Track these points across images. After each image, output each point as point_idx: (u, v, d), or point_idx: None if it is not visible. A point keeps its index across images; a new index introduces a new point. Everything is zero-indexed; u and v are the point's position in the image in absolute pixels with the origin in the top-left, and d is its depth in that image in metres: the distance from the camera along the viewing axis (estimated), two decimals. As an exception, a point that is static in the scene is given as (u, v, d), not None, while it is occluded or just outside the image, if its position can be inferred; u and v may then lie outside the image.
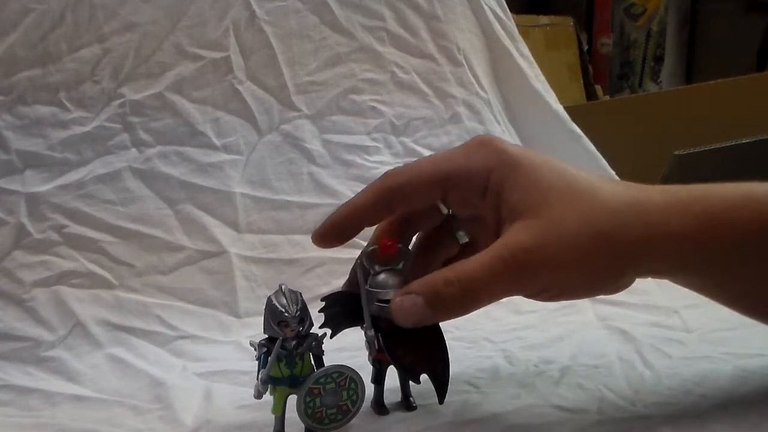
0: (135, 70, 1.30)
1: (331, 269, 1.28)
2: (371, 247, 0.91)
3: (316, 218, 1.32)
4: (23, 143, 1.22)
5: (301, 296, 0.84)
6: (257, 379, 0.83)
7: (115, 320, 1.14)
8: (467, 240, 0.91)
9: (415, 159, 1.43)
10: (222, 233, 1.26)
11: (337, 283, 1.26)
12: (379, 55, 1.47)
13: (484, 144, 0.85)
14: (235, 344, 1.14)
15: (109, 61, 1.29)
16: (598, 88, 2.90)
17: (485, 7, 1.61)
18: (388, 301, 0.89)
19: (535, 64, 1.65)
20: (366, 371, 0.89)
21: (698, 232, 0.81)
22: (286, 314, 0.82)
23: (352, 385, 0.85)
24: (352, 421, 0.87)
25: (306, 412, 0.84)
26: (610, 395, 0.91)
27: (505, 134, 1.55)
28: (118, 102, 1.28)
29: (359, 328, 0.88)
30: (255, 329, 1.03)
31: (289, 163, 1.35)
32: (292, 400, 0.85)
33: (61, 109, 1.25)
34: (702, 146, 1.95)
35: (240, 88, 1.35)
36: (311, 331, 0.85)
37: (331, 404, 0.85)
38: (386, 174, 0.89)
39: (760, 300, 0.86)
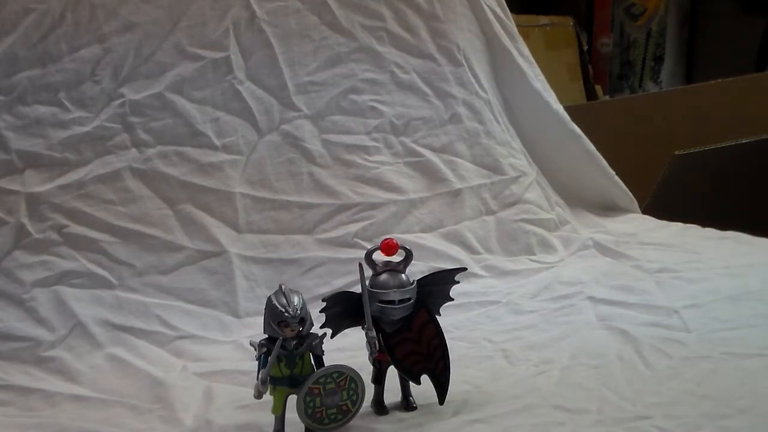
0: (135, 70, 1.30)
1: (331, 269, 1.28)
2: (372, 248, 0.91)
3: (316, 218, 1.32)
4: (23, 143, 1.22)
5: (302, 296, 0.84)
6: (257, 379, 0.83)
7: (115, 320, 1.14)
8: None
9: (414, 159, 1.44)
10: (222, 233, 1.26)
11: (337, 283, 1.27)
12: (379, 55, 1.47)
13: None
14: (235, 344, 1.14)
15: (109, 61, 1.29)
16: (598, 88, 2.89)
17: (485, 7, 1.61)
18: (389, 302, 0.89)
19: (535, 64, 1.66)
20: (366, 371, 0.89)
21: None
22: (286, 314, 0.82)
23: (352, 385, 0.85)
24: (352, 421, 0.87)
25: (306, 412, 0.84)
26: (610, 395, 0.91)
27: (505, 134, 1.55)
28: (118, 102, 1.28)
29: (360, 328, 0.88)
30: (255, 329, 1.03)
31: (289, 163, 1.35)
32: (292, 400, 0.85)
33: (61, 109, 1.25)
34: (702, 146, 1.95)
35: (240, 88, 1.35)
36: (311, 331, 0.85)
37: (331, 404, 0.85)
38: None
39: None
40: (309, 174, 1.35)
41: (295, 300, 0.83)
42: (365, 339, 0.86)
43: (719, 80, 2.26)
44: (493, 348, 1.08)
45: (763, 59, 2.97)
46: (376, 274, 0.90)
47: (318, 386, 0.84)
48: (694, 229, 1.55)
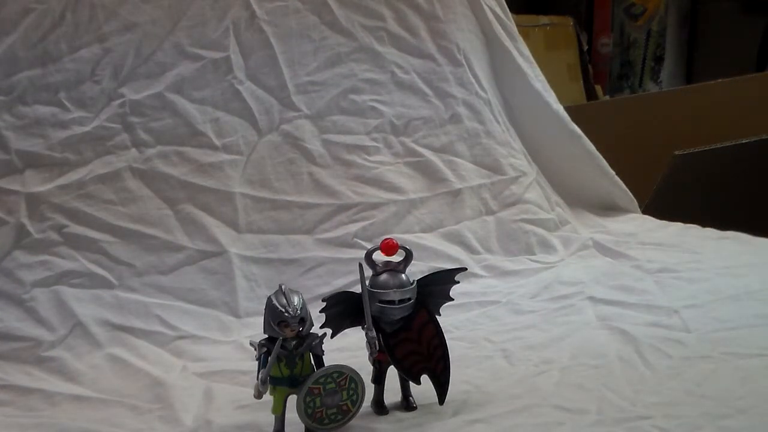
0: (135, 70, 1.30)
1: (331, 269, 1.28)
2: (372, 248, 0.91)
3: (316, 218, 1.32)
4: (23, 143, 1.22)
5: (302, 296, 0.84)
6: (257, 379, 0.83)
7: (115, 320, 1.14)
8: None
9: (414, 159, 1.44)
10: (222, 233, 1.26)
11: (337, 283, 1.27)
12: (379, 55, 1.47)
13: None
14: (235, 344, 1.14)
15: (109, 61, 1.29)
16: (598, 88, 2.89)
17: (485, 7, 1.61)
18: (389, 302, 0.89)
19: (535, 64, 1.66)
20: (366, 371, 0.89)
21: None
22: (286, 314, 0.82)
23: (352, 385, 0.85)
24: (352, 421, 0.87)
25: (306, 412, 0.84)
26: (610, 395, 0.91)
27: (505, 134, 1.55)
28: (118, 102, 1.28)
29: (360, 328, 0.88)
30: (255, 329, 1.03)
31: (289, 163, 1.35)
32: (292, 400, 0.85)
33: (61, 109, 1.25)
34: (702, 146, 1.95)
35: (240, 88, 1.35)
36: (311, 331, 0.85)
37: (331, 404, 0.85)
38: None
39: None
40: (309, 174, 1.35)
41: (295, 300, 0.83)
42: (365, 339, 0.86)
43: (719, 80, 2.26)
44: (493, 348, 1.08)
45: (763, 59, 2.97)
46: (376, 274, 0.90)
47: (318, 386, 0.84)
48: (694, 229, 1.55)
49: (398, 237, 1.06)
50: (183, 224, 1.25)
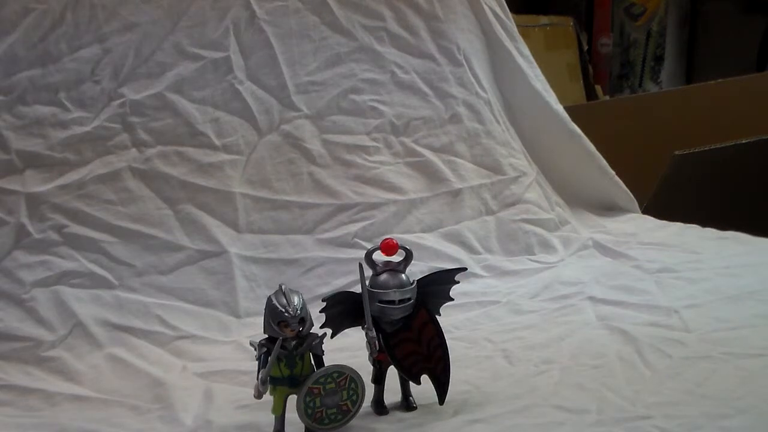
0: (135, 70, 1.30)
1: (331, 269, 1.28)
2: (372, 248, 0.91)
3: (316, 218, 1.32)
4: (23, 143, 1.22)
5: (302, 296, 0.84)
6: (257, 379, 0.83)
7: (115, 320, 1.14)
8: None
9: (414, 159, 1.44)
10: (222, 233, 1.26)
11: (337, 283, 1.27)
12: (379, 55, 1.47)
13: None
14: (235, 344, 1.14)
15: (109, 61, 1.29)
16: (598, 88, 2.90)
17: (485, 7, 1.61)
18: (389, 302, 0.89)
19: (535, 64, 1.66)
20: (366, 371, 0.89)
21: None
22: (286, 314, 0.82)
23: (352, 385, 0.85)
24: (352, 421, 0.87)
25: (306, 412, 0.84)
26: (610, 395, 0.91)
27: (505, 134, 1.55)
28: (118, 102, 1.28)
29: (360, 328, 0.88)
30: (255, 329, 1.03)
31: (289, 163, 1.35)
32: (292, 400, 0.85)
33: (61, 109, 1.25)
34: (702, 146, 1.95)
35: (240, 88, 1.35)
36: (311, 331, 0.85)
37: (331, 404, 0.85)
38: None
39: None
40: (309, 174, 1.35)
41: (295, 300, 0.83)
42: (365, 339, 0.86)
43: (719, 80, 2.26)
44: (493, 348, 1.08)
45: (763, 59, 2.97)
46: (376, 274, 0.90)
47: (318, 386, 0.84)
48: (694, 229, 1.55)
49: (398, 237, 1.06)
50: (183, 224, 1.25)
